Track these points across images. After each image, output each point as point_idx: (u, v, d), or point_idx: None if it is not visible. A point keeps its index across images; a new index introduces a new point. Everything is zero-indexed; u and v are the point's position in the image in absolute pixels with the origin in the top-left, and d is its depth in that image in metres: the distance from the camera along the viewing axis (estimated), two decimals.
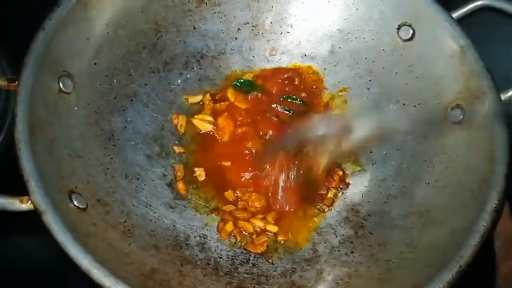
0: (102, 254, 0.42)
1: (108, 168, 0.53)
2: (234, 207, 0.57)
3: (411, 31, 0.61)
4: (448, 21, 0.58)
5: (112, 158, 0.54)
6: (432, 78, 0.60)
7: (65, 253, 0.40)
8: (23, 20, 0.53)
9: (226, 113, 0.60)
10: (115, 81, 0.58)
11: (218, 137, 0.59)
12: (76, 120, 0.52)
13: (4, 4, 0.57)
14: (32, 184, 0.41)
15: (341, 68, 0.65)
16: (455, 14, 0.60)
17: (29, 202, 0.42)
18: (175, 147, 0.60)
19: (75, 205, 0.45)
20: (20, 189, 0.43)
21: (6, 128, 0.55)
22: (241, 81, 0.64)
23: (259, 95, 0.63)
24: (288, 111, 0.63)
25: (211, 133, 0.61)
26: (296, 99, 0.64)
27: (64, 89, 0.51)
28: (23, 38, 0.50)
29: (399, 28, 0.62)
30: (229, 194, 0.57)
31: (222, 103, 0.61)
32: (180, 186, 0.57)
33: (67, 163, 0.48)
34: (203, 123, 0.60)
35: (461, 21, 0.59)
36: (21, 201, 0.42)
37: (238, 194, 0.57)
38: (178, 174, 0.57)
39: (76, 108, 0.52)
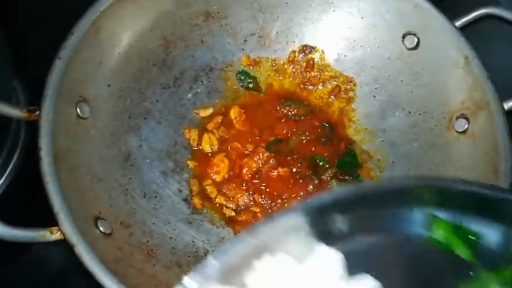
0: (132, 280, 0.44)
1: (127, 189, 0.55)
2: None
3: (416, 40, 0.63)
4: (452, 32, 0.60)
5: (130, 178, 0.56)
6: (437, 87, 0.61)
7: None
8: (37, 47, 0.53)
9: (223, 154, 0.61)
10: (128, 100, 0.59)
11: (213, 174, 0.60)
12: (94, 145, 0.53)
13: (18, 32, 0.57)
14: (62, 217, 0.43)
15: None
16: (459, 22, 0.61)
17: (59, 233, 0.44)
18: (189, 162, 0.61)
19: (101, 231, 0.47)
20: (31, 209, 0.44)
21: (16, 158, 0.56)
22: (240, 70, 0.66)
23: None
24: (294, 115, 0.64)
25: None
26: (297, 102, 0.65)
27: (81, 115, 0.52)
28: (37, 66, 0.51)
29: (404, 37, 0.63)
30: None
31: (230, 131, 0.63)
32: (196, 201, 0.58)
33: (90, 189, 0.50)
34: (207, 144, 0.61)
35: (464, 29, 0.61)
36: (51, 233, 0.44)
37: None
38: (194, 188, 0.59)
39: (93, 133, 0.54)
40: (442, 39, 0.60)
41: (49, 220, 0.45)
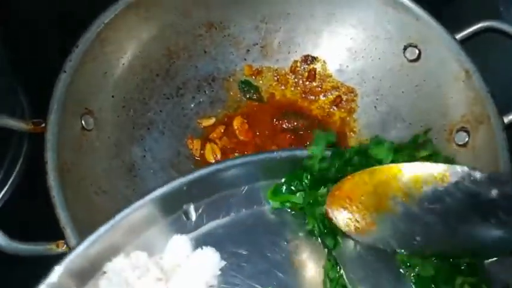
0: None
1: (131, 201, 0.55)
2: None
3: (417, 52, 0.63)
4: (453, 45, 0.60)
5: (133, 189, 0.56)
6: (438, 100, 0.62)
7: None
8: (43, 59, 0.53)
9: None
10: (132, 111, 0.59)
11: None
12: (99, 156, 0.54)
13: (24, 44, 0.57)
14: (68, 231, 0.44)
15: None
16: (460, 35, 0.62)
17: (65, 246, 0.44)
18: None
19: None
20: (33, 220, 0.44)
21: (18, 169, 0.56)
22: (243, 80, 0.66)
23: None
24: (293, 128, 0.65)
25: None
26: (297, 116, 0.66)
27: (86, 127, 0.53)
28: (43, 77, 0.51)
29: (405, 49, 0.64)
30: None
31: (232, 140, 0.63)
32: None
33: (95, 201, 0.50)
34: (210, 155, 0.62)
35: (464, 42, 0.61)
36: (57, 246, 0.44)
37: None
38: None
39: (97, 144, 0.54)
40: (443, 52, 0.61)
41: (48, 227, 0.45)
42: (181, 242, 0.38)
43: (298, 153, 0.42)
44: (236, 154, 0.62)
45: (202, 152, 0.63)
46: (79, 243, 0.37)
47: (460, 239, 0.38)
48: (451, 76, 0.61)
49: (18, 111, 0.54)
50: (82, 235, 0.45)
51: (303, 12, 0.66)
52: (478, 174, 0.35)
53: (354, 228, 0.40)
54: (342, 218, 0.40)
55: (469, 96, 0.59)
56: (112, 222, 0.37)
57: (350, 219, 0.40)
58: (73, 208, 0.46)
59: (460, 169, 0.35)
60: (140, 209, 0.38)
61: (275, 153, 0.41)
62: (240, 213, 0.41)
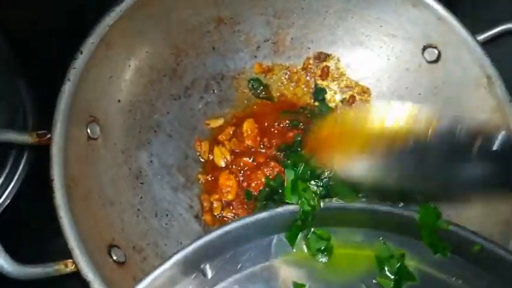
0: None
1: (139, 210, 0.54)
2: None
3: (437, 53, 0.60)
4: (475, 48, 0.57)
5: (141, 197, 0.55)
6: (457, 105, 0.60)
7: None
8: (47, 67, 0.50)
9: (227, 171, 0.59)
10: (139, 114, 0.57)
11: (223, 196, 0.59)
12: (105, 165, 0.52)
13: (28, 52, 0.54)
14: (77, 253, 0.42)
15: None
16: (480, 37, 0.59)
17: (73, 265, 0.43)
18: (200, 176, 0.60)
19: (115, 260, 0.47)
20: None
21: (17, 178, 0.54)
22: (253, 78, 0.64)
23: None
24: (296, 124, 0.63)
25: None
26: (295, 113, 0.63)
27: (91, 136, 0.51)
28: (48, 85, 0.49)
29: (424, 49, 0.61)
30: None
31: (241, 143, 0.61)
32: (208, 218, 0.58)
33: (102, 214, 0.49)
34: (219, 159, 0.60)
35: (485, 45, 0.58)
36: (66, 266, 0.43)
37: None
38: (205, 204, 0.59)
39: (104, 152, 0.52)
40: (464, 55, 0.58)
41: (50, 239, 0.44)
42: None
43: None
44: (245, 159, 0.60)
45: (210, 155, 0.61)
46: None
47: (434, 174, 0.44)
48: (471, 81, 0.58)
49: (20, 122, 0.52)
50: (92, 255, 0.44)
51: (318, 7, 0.63)
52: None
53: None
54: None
55: (489, 104, 0.57)
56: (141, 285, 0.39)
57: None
58: (82, 227, 0.44)
59: None
60: (166, 272, 0.40)
61: (285, 209, 0.43)
62: (255, 267, 0.41)
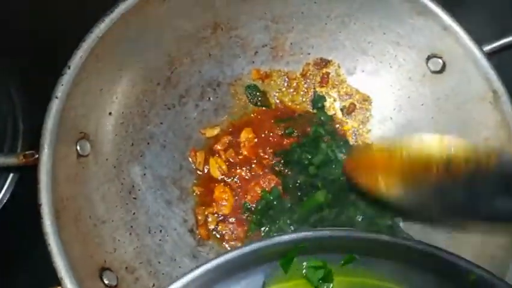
0: None
1: (132, 227, 0.52)
2: None
3: (442, 63, 0.58)
4: (482, 61, 0.55)
5: (134, 213, 0.53)
6: (461, 118, 0.58)
7: None
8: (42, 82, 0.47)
9: (222, 184, 0.58)
10: (131, 126, 0.55)
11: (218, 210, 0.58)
12: (97, 182, 0.50)
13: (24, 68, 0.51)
14: (67, 282, 0.41)
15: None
16: (487, 48, 0.56)
17: None
18: (195, 187, 0.59)
19: (107, 285, 0.46)
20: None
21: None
22: (250, 84, 0.62)
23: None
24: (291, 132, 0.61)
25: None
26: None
27: (81, 153, 0.49)
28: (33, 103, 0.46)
29: (428, 59, 0.59)
30: None
31: (237, 154, 0.59)
32: (203, 232, 0.57)
33: (93, 235, 0.48)
34: (215, 169, 0.58)
35: (491, 56, 0.56)
36: None
37: None
38: (199, 218, 0.57)
39: (95, 170, 0.50)
40: (470, 67, 0.56)
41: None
42: None
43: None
44: (241, 170, 0.59)
45: (205, 165, 0.59)
46: None
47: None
48: (476, 94, 0.56)
49: (7, 144, 0.49)
50: (80, 280, 0.43)
51: (318, 12, 0.60)
52: None
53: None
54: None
55: (494, 119, 0.55)
56: None
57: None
58: (72, 253, 0.43)
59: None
60: None
61: (279, 239, 0.42)
62: None
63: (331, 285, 0.43)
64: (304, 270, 0.42)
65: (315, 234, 0.42)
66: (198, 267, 0.40)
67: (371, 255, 0.43)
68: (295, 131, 0.61)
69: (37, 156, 0.45)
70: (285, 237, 0.42)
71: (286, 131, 0.61)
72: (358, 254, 0.43)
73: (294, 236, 0.42)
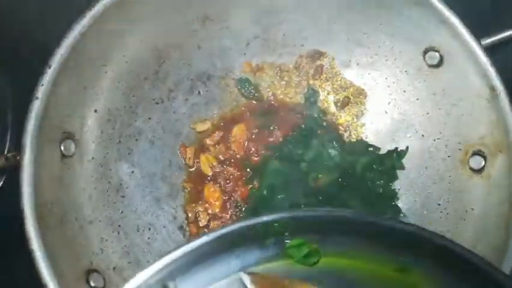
0: None
1: (120, 226, 0.52)
2: None
3: (439, 57, 0.56)
4: (480, 56, 0.53)
5: (122, 212, 0.52)
6: (456, 114, 0.56)
7: None
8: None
9: (212, 182, 0.57)
10: (118, 123, 0.54)
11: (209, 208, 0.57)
12: (83, 182, 0.49)
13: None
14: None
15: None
16: (486, 41, 0.54)
17: None
18: (185, 184, 0.58)
19: (93, 287, 0.45)
20: None
21: None
22: (241, 77, 0.60)
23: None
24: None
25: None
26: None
27: (66, 154, 0.48)
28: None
29: (425, 52, 0.57)
30: None
31: (227, 149, 0.58)
32: (193, 229, 0.56)
33: (79, 237, 0.47)
34: (206, 166, 0.57)
35: (490, 50, 0.54)
36: None
37: None
38: (190, 215, 0.57)
39: (80, 170, 0.49)
40: (468, 62, 0.54)
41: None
42: None
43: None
44: (230, 167, 0.58)
45: (196, 161, 0.58)
46: None
47: None
48: (473, 91, 0.54)
49: None
50: (66, 285, 0.42)
51: (312, 2, 0.58)
52: None
53: None
54: None
55: (491, 117, 0.53)
56: None
57: None
58: (57, 257, 0.43)
59: None
60: None
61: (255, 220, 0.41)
62: (220, 283, 0.40)
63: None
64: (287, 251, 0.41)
65: (291, 214, 0.42)
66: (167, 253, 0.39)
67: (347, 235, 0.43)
68: (286, 126, 0.59)
69: (18, 157, 0.44)
70: (257, 220, 0.41)
71: (277, 126, 0.59)
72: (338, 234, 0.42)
73: (265, 217, 0.41)
